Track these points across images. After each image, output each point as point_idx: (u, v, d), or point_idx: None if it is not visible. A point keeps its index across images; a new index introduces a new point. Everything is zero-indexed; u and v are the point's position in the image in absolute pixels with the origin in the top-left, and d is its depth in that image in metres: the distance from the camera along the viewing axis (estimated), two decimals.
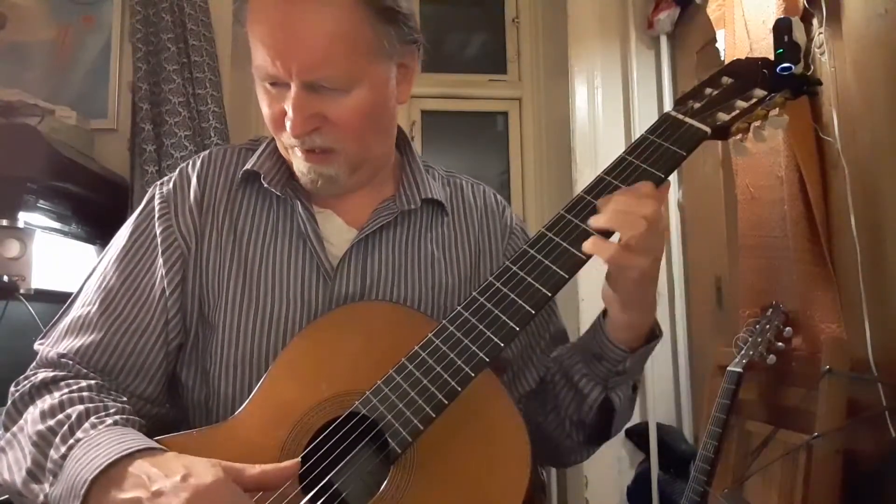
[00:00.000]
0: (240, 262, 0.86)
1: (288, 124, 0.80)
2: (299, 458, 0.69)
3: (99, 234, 1.92)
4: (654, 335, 0.85)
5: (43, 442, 0.72)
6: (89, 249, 1.88)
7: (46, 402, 0.75)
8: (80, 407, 0.73)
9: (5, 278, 1.54)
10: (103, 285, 0.85)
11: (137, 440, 0.68)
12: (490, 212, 0.98)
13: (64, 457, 0.69)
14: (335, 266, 0.86)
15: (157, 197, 0.89)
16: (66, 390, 0.76)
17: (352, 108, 0.81)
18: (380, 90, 0.84)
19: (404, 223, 0.91)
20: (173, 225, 0.87)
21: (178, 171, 0.92)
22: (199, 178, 0.90)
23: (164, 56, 2.09)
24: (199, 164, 0.92)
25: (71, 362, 0.80)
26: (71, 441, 0.70)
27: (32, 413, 0.75)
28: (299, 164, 0.85)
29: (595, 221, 0.74)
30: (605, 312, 0.84)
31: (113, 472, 0.65)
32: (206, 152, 0.94)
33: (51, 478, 0.69)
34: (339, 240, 0.89)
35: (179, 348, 0.86)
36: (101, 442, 0.68)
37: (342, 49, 0.78)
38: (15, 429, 0.76)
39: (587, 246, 0.73)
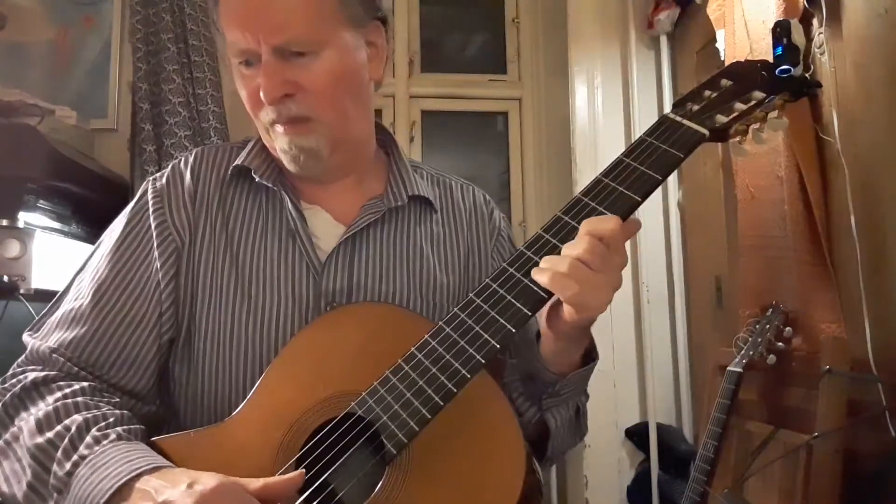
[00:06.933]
0: (232, 259, 0.86)
1: (262, 95, 0.81)
2: (303, 470, 0.68)
3: (99, 233, 1.90)
4: (590, 358, 0.84)
5: (43, 455, 0.71)
6: (89, 249, 1.88)
7: (41, 409, 0.74)
8: (79, 418, 0.72)
9: (5, 278, 1.54)
10: (96, 278, 0.85)
11: (144, 457, 0.68)
12: (479, 212, 0.99)
13: (69, 474, 0.68)
14: (323, 262, 0.86)
15: (150, 191, 0.90)
16: (58, 394, 0.75)
17: (323, 71, 0.82)
18: (349, 57, 0.85)
19: (392, 220, 0.92)
20: (168, 219, 0.87)
21: (170, 166, 0.93)
22: (192, 174, 0.91)
23: (164, 56, 2.09)
24: (191, 160, 0.93)
25: (62, 359, 0.79)
26: (75, 457, 0.69)
27: (27, 421, 0.74)
28: (280, 141, 0.86)
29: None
30: (538, 334, 0.82)
31: (122, 492, 0.65)
32: (198, 149, 0.95)
33: (55, 494, 0.69)
34: (327, 235, 0.89)
35: (171, 343, 0.86)
36: (108, 461, 0.68)
37: (307, 11, 0.80)
38: (9, 437, 0.75)
39: (543, 279, 0.71)
